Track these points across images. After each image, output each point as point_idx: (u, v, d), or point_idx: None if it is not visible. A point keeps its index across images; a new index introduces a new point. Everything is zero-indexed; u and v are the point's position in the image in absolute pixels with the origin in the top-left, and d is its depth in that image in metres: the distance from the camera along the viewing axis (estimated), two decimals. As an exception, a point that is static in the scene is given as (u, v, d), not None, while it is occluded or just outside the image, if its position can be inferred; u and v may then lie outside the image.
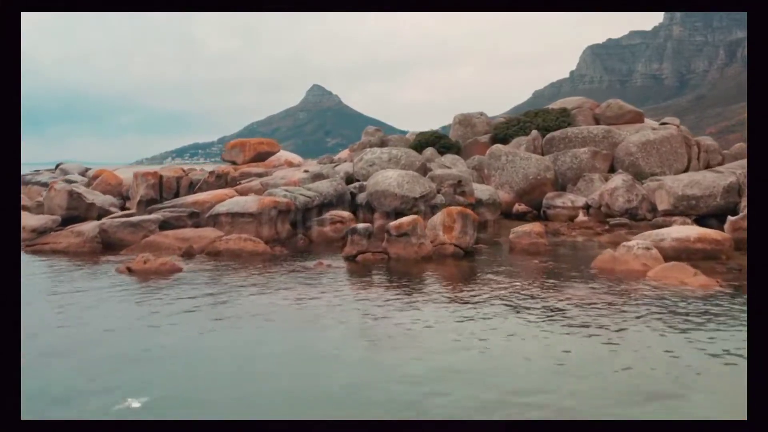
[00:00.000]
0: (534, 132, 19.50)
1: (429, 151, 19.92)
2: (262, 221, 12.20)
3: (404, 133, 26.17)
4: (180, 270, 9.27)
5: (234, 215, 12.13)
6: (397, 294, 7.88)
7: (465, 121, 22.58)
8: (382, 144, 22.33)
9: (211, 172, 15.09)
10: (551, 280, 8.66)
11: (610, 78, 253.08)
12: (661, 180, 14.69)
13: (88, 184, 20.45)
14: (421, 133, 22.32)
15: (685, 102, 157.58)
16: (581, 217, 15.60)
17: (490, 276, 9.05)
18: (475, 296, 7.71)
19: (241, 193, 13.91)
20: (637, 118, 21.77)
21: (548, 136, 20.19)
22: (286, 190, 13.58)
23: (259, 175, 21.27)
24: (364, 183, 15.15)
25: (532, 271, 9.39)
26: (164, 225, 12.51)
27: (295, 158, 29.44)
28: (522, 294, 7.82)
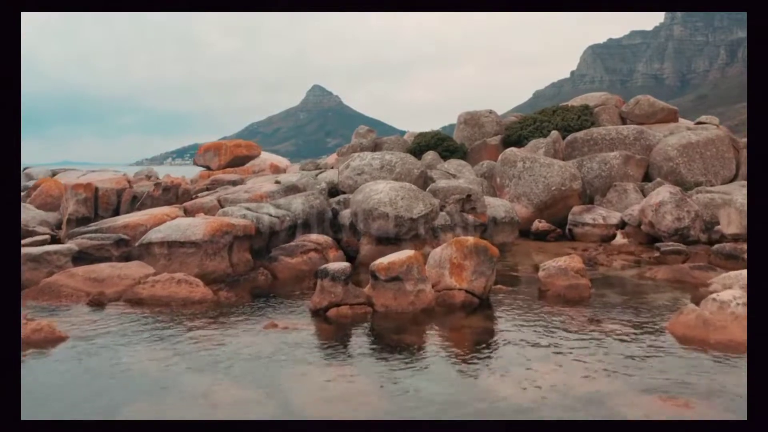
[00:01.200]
0: (554, 133, 16.47)
1: (430, 156, 16.92)
2: (209, 252, 9.18)
3: (405, 133, 23.25)
4: (62, 339, 6.24)
5: (171, 245, 9.12)
6: (379, 397, 4.91)
7: (472, 120, 19.43)
8: (376, 147, 19.38)
9: (157, 184, 11.98)
10: (621, 363, 5.55)
11: (611, 78, 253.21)
12: (728, 195, 11.73)
13: (27, 195, 17.49)
14: (421, 135, 19.32)
15: (687, 102, 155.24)
16: (620, 239, 12.60)
17: (522, 349, 6.02)
18: (508, 403, 4.72)
19: (190, 213, 10.93)
20: (671, 117, 18.82)
21: (570, 137, 17.21)
22: (247, 209, 10.60)
23: (234, 183, 18.48)
24: (350, 196, 12.18)
25: (583, 340, 6.36)
26: (83, 256, 9.51)
27: (282, 162, 26.62)
28: (587, 400, 4.79)
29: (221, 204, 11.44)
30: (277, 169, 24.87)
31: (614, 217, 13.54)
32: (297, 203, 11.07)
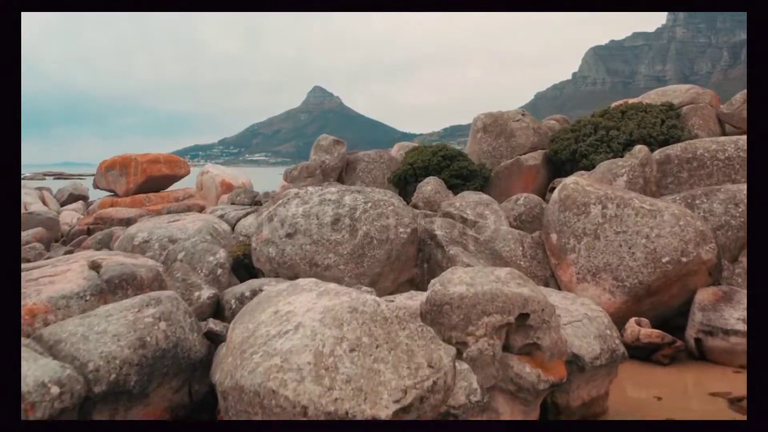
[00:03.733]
0: (642, 149, 9.79)
1: (430, 186, 10.24)
2: None
3: (408, 136, 16.61)
4: None
5: None
6: None
7: (495, 125, 12.31)
8: (347, 167, 12.81)
9: None
10: None
11: (612, 79, 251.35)
12: None
13: None
14: (416, 150, 12.70)
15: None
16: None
17: None
18: None
19: None
20: (797, 122, 12.25)
21: (658, 155, 10.71)
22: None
23: (127, 222, 12.01)
24: (266, 284, 5.60)
25: None
26: None
27: (237, 179, 19.97)
28: None
29: None
30: (229, 189, 18.42)
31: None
32: (102, 337, 4.55)
